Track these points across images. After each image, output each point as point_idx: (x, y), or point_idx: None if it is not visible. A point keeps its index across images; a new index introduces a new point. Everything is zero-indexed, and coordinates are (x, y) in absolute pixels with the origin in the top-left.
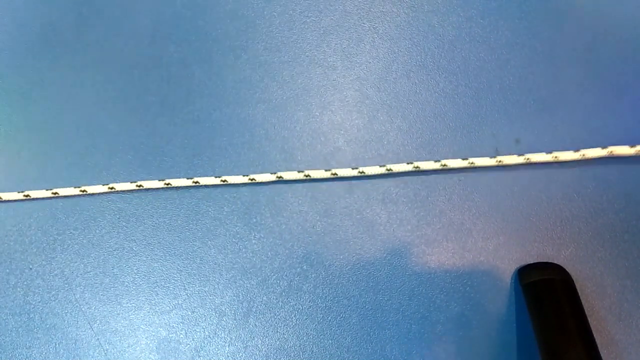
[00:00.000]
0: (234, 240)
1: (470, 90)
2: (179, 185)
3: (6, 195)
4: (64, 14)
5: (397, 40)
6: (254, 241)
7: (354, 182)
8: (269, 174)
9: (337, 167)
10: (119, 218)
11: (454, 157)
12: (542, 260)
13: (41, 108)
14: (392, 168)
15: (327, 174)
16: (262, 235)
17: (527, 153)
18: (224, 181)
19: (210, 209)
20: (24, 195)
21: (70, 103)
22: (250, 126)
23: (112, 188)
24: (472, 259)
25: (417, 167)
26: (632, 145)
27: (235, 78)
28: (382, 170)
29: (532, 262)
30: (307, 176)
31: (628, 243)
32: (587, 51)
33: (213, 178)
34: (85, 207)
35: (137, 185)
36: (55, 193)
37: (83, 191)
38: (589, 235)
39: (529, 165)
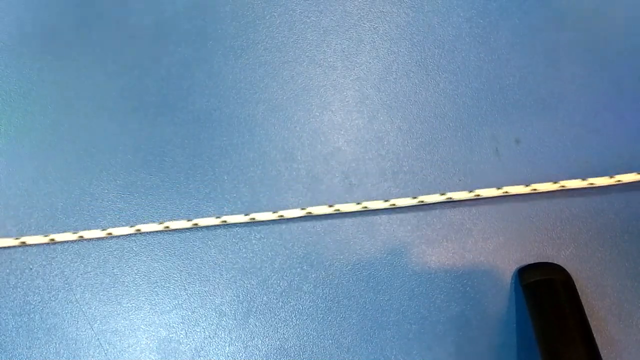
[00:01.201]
0: (234, 240)
1: (470, 90)
2: (178, 227)
3: (4, 242)
4: (64, 14)
5: (397, 40)
6: (254, 241)
7: (354, 181)
8: (269, 213)
9: (337, 166)
10: (119, 218)
11: (454, 156)
12: (542, 260)
13: (41, 108)
14: (395, 203)
15: (330, 210)
16: (263, 235)
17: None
18: (224, 222)
19: (210, 209)
20: (21, 243)
21: (70, 103)
22: (250, 126)
23: (110, 234)
24: (472, 259)
25: (422, 201)
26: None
27: (235, 78)
28: (387, 205)
29: (532, 262)
30: (308, 213)
31: (628, 243)
32: (587, 51)
33: (214, 218)
34: (85, 207)
35: (136, 230)
36: (52, 239)
37: (80, 237)
38: (589, 235)
39: (529, 165)
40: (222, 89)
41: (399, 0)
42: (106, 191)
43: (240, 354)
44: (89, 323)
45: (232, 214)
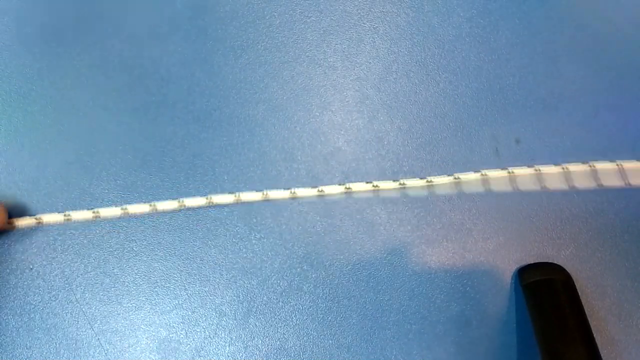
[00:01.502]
0: (234, 240)
1: (470, 90)
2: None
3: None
4: (64, 14)
5: (397, 40)
6: (254, 241)
7: (354, 182)
8: (309, 188)
9: (337, 166)
10: (119, 218)
11: (454, 156)
12: (542, 260)
13: (41, 108)
14: (432, 180)
15: (369, 186)
16: (263, 235)
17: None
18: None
19: (210, 209)
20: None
21: (70, 103)
22: (250, 126)
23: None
24: (472, 259)
25: (458, 177)
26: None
27: (235, 78)
28: (423, 182)
29: (532, 262)
30: (348, 189)
31: (628, 243)
32: (586, 51)
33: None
34: (85, 207)
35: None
36: (97, 215)
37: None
38: (589, 235)
39: (529, 165)
40: (222, 89)
41: (399, 0)
42: (106, 191)
43: (240, 354)
44: (89, 323)
45: (232, 213)
